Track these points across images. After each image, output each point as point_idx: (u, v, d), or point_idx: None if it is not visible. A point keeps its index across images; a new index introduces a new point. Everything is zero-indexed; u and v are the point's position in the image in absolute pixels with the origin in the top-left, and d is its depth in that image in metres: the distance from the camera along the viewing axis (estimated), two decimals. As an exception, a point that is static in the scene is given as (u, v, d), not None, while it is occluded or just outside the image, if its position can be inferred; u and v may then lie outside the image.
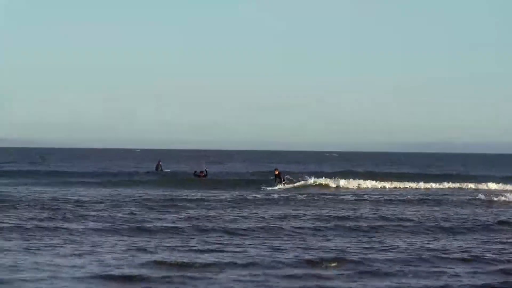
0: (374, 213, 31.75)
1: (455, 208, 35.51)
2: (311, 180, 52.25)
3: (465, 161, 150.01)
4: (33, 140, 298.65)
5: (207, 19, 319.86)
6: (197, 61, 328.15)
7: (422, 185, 53.50)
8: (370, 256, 19.83)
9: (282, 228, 25.67)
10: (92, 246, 20.81)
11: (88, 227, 24.89)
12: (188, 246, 21.09)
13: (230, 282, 16.30)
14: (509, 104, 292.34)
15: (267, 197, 40.51)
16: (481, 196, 41.78)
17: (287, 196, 40.86)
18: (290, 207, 34.59)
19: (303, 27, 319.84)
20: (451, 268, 18.46)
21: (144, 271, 17.11)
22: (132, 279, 16.38)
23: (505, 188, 50.83)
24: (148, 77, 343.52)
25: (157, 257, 19.03)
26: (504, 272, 17.97)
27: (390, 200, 40.25)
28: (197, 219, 28.11)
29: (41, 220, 26.58)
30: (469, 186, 53.70)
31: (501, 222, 28.78)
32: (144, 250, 20.24)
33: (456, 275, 17.56)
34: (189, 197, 38.93)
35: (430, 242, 23.04)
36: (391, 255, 20.04)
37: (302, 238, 23.56)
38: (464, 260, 19.48)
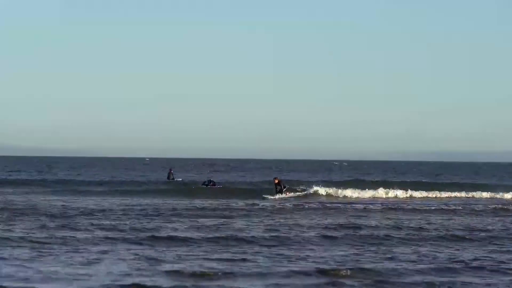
0: (383, 222, 31.56)
1: (476, 217, 35.27)
2: (316, 189, 51.90)
3: (473, 170, 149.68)
4: (40, 148, 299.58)
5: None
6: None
7: (442, 194, 53.18)
8: (384, 265, 19.65)
9: (291, 237, 25.50)
10: (102, 255, 20.67)
11: (97, 236, 24.76)
12: (199, 255, 20.96)
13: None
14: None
15: (273, 205, 40.37)
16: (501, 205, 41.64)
17: (291, 205, 40.74)
18: (296, 215, 34.44)
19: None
20: (484, 278, 18.25)
21: (156, 281, 16.96)
22: (144, 289, 16.26)
23: None
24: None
25: (169, 266, 18.90)
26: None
27: (400, 208, 40.04)
28: (208, 227, 27.98)
29: (50, 229, 26.47)
30: (483, 196, 53.33)
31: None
32: (155, 259, 20.10)
33: (488, 285, 17.39)
34: (198, 206, 38.84)
35: (445, 251, 22.83)
36: (404, 265, 19.86)
37: (312, 247, 23.39)
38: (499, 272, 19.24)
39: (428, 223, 31.61)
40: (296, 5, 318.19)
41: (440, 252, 22.59)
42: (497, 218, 35.03)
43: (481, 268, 19.68)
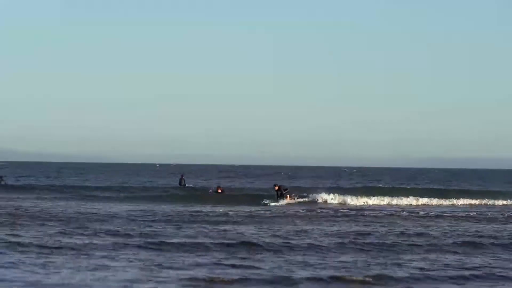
0: (392, 229, 31.42)
1: (496, 225, 35.08)
2: (321, 195, 51.66)
3: (477, 176, 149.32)
4: (50, 154, 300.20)
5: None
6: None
7: (457, 201, 53.00)
8: (406, 273, 19.48)
9: (301, 244, 25.35)
10: (112, 261, 20.55)
11: (108, 242, 24.66)
12: (211, 261, 20.83)
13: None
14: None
15: (278, 212, 40.31)
16: None
17: (298, 211, 40.67)
18: (304, 222, 34.36)
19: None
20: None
21: (169, 287, 16.84)
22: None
23: None
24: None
25: (181, 273, 18.80)
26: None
27: (409, 216, 39.88)
28: (217, 233, 27.88)
29: (59, 235, 26.40)
30: (499, 203, 53.04)
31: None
32: (166, 265, 19.99)
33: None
34: (207, 212, 38.75)
35: (462, 259, 22.65)
36: (432, 272, 19.72)
37: (322, 253, 23.26)
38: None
39: (454, 231, 31.42)
40: (296, 5, 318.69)
41: (457, 261, 22.41)
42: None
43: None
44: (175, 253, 22.62)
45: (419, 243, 26.28)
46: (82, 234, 26.66)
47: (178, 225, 31.28)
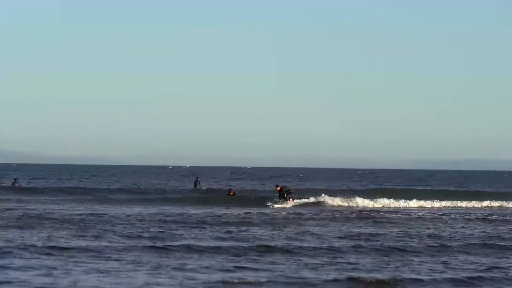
0: (405, 231, 31.46)
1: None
2: (325, 197, 51.50)
3: (499, 180, 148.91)
4: (64, 157, 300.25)
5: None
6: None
7: (479, 203, 52.81)
8: (425, 275, 19.59)
9: (312, 246, 25.41)
10: (127, 264, 20.62)
11: (121, 245, 24.58)
12: (225, 264, 20.94)
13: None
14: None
15: (284, 213, 40.38)
16: None
17: (305, 213, 40.70)
18: (311, 224, 34.33)
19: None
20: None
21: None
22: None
23: None
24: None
25: (196, 275, 18.88)
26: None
27: (422, 217, 39.88)
28: (231, 236, 27.96)
29: (73, 237, 26.46)
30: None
31: None
32: (187, 269, 20.06)
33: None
34: (222, 215, 38.76)
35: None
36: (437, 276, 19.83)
37: (335, 255, 23.33)
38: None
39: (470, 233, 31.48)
40: (296, 5, 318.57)
41: (476, 262, 22.50)
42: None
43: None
44: (193, 255, 22.65)
45: (432, 245, 26.33)
46: (97, 237, 26.62)
47: (192, 227, 31.32)
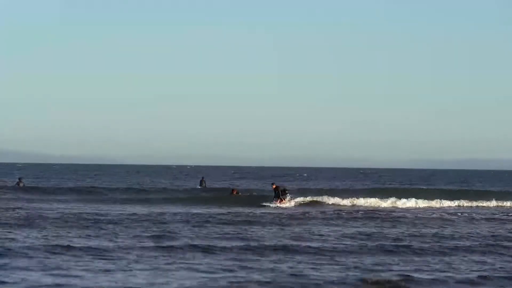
0: (412, 230, 31.43)
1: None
2: (325, 197, 51.37)
3: (501, 179, 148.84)
4: (65, 156, 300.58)
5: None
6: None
7: (492, 203, 52.76)
8: (436, 276, 19.55)
9: (322, 246, 25.36)
10: (130, 264, 20.60)
11: (124, 244, 24.56)
12: (232, 264, 20.92)
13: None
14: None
15: (288, 213, 40.37)
16: None
17: (307, 212, 40.70)
18: (314, 223, 34.32)
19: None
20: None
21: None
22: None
23: None
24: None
25: (200, 274, 18.87)
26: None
27: (426, 217, 39.84)
28: (235, 235, 27.94)
29: (80, 237, 26.45)
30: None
31: None
32: (186, 268, 20.07)
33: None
34: (226, 214, 38.76)
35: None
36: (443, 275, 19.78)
37: (338, 255, 23.27)
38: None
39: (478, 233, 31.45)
40: (296, 5, 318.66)
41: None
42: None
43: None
44: (201, 255, 22.61)
45: (437, 244, 26.33)
46: (108, 237, 26.64)
47: (197, 226, 31.31)
